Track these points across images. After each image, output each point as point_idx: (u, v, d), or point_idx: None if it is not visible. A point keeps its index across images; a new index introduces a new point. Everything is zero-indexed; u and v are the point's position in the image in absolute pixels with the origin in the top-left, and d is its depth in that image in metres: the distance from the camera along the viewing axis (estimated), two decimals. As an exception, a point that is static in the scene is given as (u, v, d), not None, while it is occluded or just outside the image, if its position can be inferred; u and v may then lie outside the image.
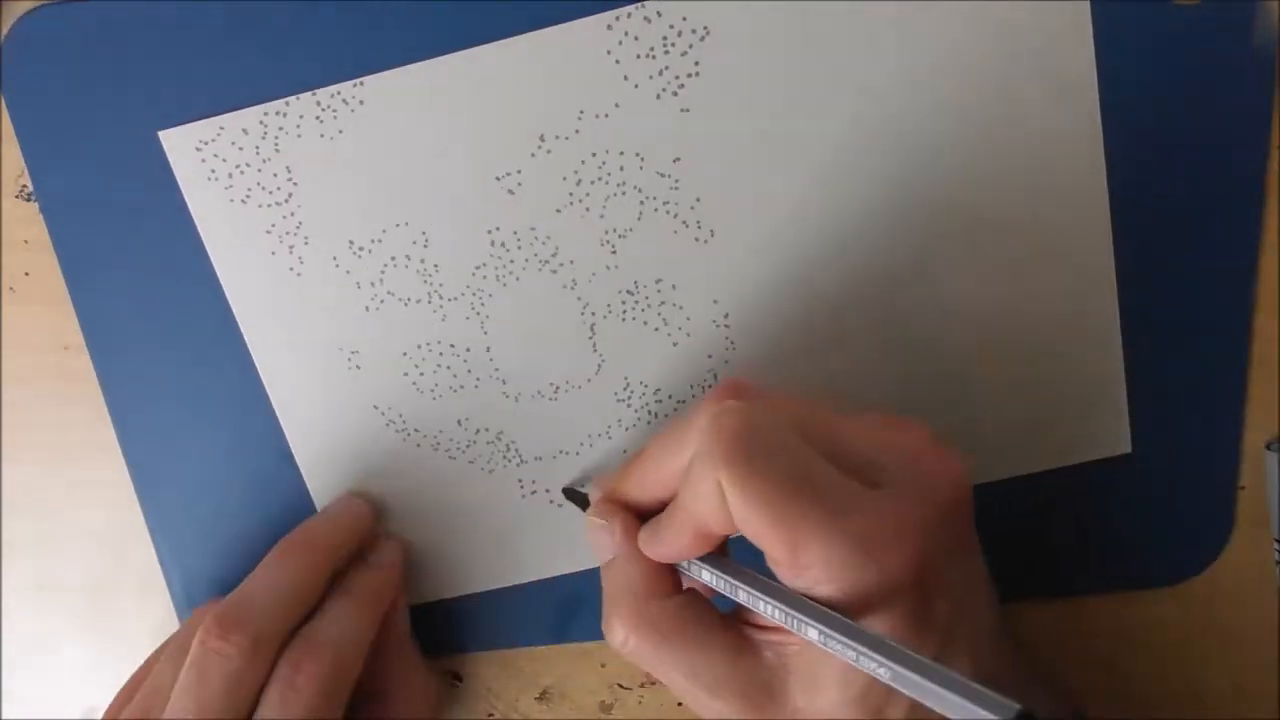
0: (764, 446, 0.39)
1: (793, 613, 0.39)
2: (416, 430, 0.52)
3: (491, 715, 0.56)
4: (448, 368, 0.51)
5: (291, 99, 0.49)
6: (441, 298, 0.50)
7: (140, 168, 0.50)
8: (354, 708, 0.49)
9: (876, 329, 0.51)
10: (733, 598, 0.42)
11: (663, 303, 0.50)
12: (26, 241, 0.52)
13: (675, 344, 0.51)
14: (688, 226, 0.50)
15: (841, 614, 0.38)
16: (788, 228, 0.50)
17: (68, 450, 0.54)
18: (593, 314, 0.51)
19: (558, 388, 0.52)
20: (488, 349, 0.51)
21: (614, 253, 0.50)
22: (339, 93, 0.48)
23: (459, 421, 0.52)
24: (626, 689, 0.56)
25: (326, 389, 0.52)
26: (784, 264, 0.50)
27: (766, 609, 0.41)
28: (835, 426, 0.42)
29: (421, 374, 0.51)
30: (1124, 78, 0.49)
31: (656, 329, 0.51)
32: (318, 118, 0.49)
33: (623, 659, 0.53)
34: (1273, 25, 0.48)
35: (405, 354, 0.51)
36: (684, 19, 0.47)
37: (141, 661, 0.51)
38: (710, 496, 0.39)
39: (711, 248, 0.50)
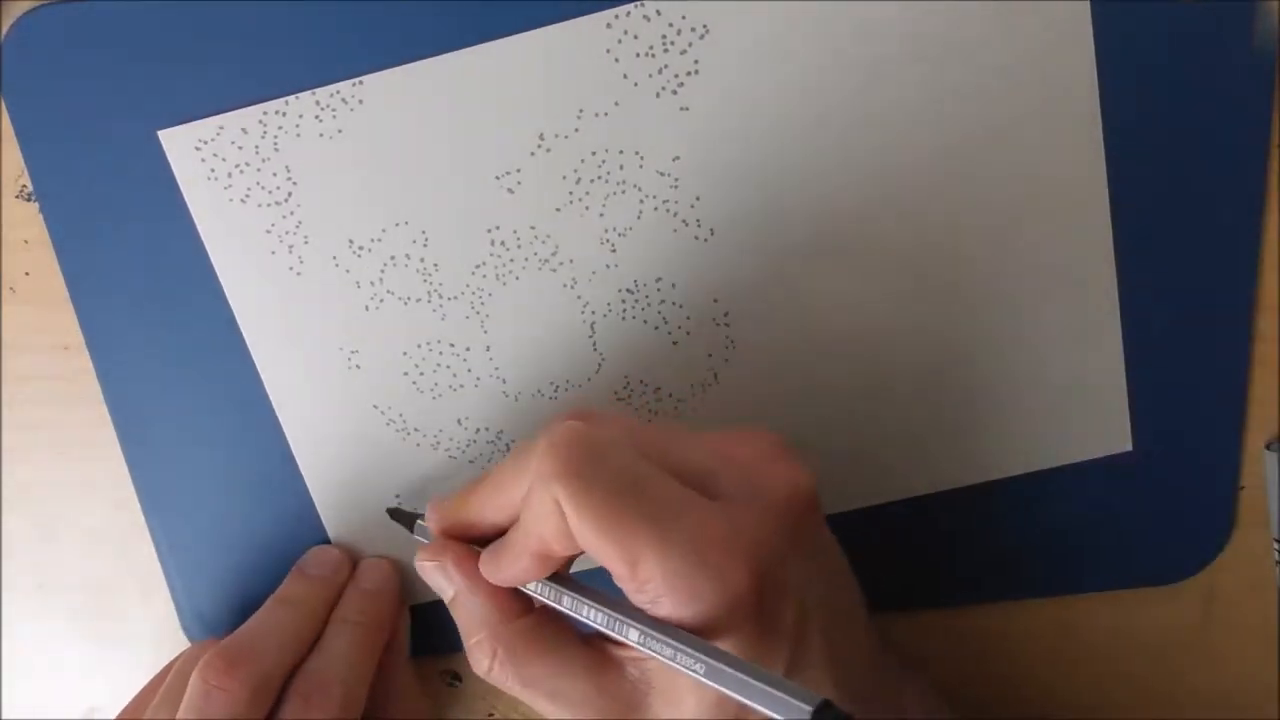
0: (597, 458, 0.39)
1: (616, 616, 0.40)
2: (416, 429, 0.52)
3: (491, 715, 0.56)
4: (447, 367, 0.51)
5: (291, 98, 0.49)
6: (441, 297, 0.50)
7: (140, 167, 0.50)
8: None
9: (876, 328, 0.51)
10: (573, 616, 0.42)
11: (662, 301, 0.50)
12: (26, 241, 0.52)
13: (675, 343, 0.51)
14: (687, 225, 0.50)
15: (686, 627, 0.39)
16: (787, 226, 0.50)
17: (68, 450, 0.54)
18: (592, 313, 0.51)
19: (558, 387, 0.52)
20: (487, 348, 0.51)
21: (614, 251, 0.50)
22: (338, 92, 0.48)
23: (459, 421, 0.52)
24: (626, 689, 0.56)
25: (327, 388, 0.52)
26: (784, 263, 0.50)
27: (594, 618, 0.41)
28: (671, 441, 0.42)
29: (421, 373, 0.51)
30: (1124, 77, 0.48)
31: (656, 328, 0.51)
32: (317, 117, 0.49)
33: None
34: (1273, 25, 0.48)
35: (405, 353, 0.51)
36: (683, 17, 0.47)
37: (141, 662, 0.51)
38: (549, 515, 0.39)
39: (711, 246, 0.50)
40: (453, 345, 0.51)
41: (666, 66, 0.48)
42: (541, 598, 0.43)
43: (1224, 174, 0.50)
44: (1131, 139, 0.49)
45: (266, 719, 0.47)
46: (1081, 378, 0.51)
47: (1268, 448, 0.52)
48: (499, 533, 0.44)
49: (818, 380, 0.51)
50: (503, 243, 0.50)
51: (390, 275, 0.50)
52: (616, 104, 0.48)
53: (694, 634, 0.38)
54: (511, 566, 0.43)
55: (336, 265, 0.50)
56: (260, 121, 0.49)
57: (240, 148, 0.49)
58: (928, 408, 0.52)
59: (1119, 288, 0.50)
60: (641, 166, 0.49)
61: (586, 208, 0.50)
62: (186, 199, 0.50)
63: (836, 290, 0.50)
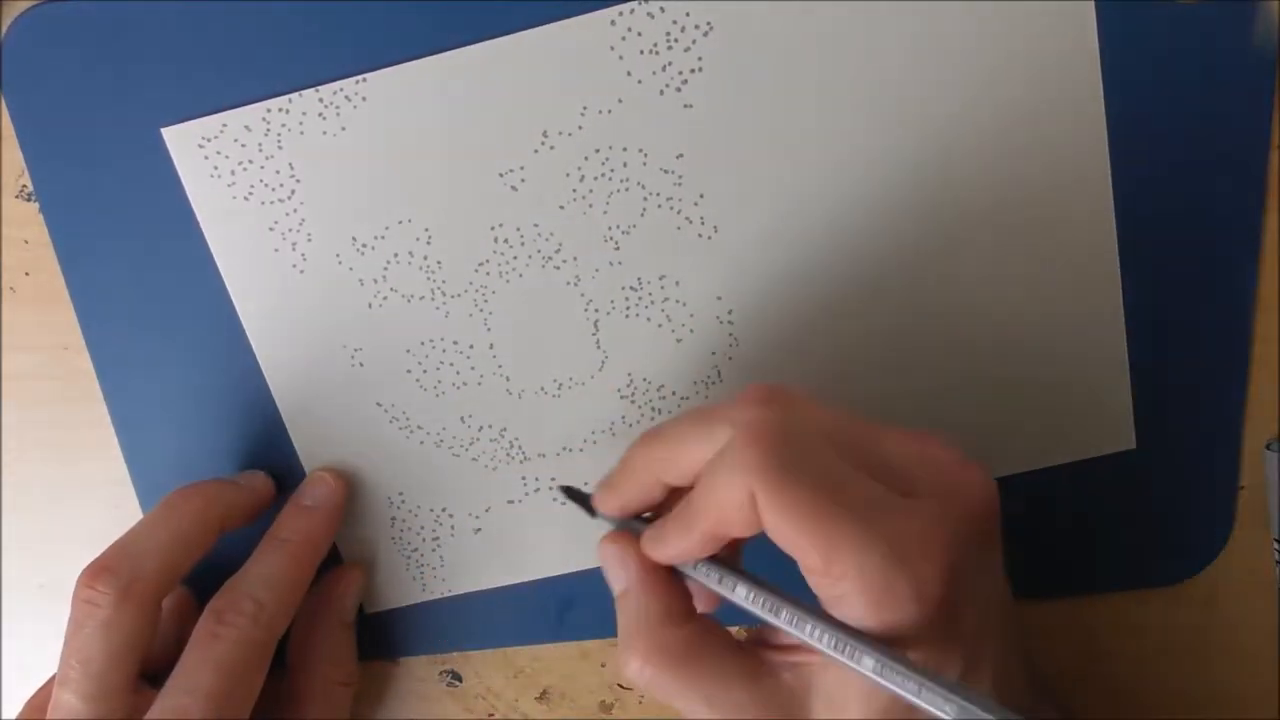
0: (798, 455, 0.39)
1: (790, 606, 0.40)
2: (420, 427, 0.52)
3: (492, 715, 0.56)
4: (450, 364, 0.51)
5: (294, 95, 0.49)
6: (444, 294, 0.50)
7: (141, 166, 0.50)
8: (264, 709, 0.49)
9: (880, 326, 0.51)
10: (739, 603, 0.42)
11: (666, 299, 0.51)
12: (26, 241, 0.52)
13: (679, 340, 0.51)
14: (691, 223, 0.50)
15: (873, 626, 0.38)
16: (791, 224, 0.50)
17: (68, 450, 0.54)
18: (596, 310, 0.51)
19: (561, 384, 0.52)
20: (491, 345, 0.51)
21: (617, 249, 0.50)
22: (341, 89, 0.48)
23: (462, 418, 0.52)
24: (627, 689, 0.56)
25: (330, 386, 0.52)
26: (787, 260, 0.50)
27: (764, 606, 0.41)
28: (868, 436, 0.42)
29: (424, 371, 0.51)
30: (1126, 77, 0.49)
31: (660, 325, 0.51)
32: (320, 114, 0.49)
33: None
34: (1273, 25, 0.49)
35: (408, 351, 0.51)
36: (687, 14, 0.47)
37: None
38: (738, 502, 0.39)
39: (715, 244, 0.50)
40: (456, 343, 0.51)
41: (670, 64, 0.48)
42: (708, 582, 0.43)
43: (1224, 174, 0.50)
44: (1133, 139, 0.49)
45: (179, 633, 0.48)
46: (1085, 376, 0.51)
47: (1268, 448, 0.52)
48: (659, 500, 0.44)
49: (820, 378, 0.51)
50: (506, 240, 0.50)
51: (393, 273, 0.50)
52: (620, 101, 0.49)
53: (877, 636, 0.38)
54: (681, 541, 0.42)
55: (339, 263, 0.50)
56: (264, 119, 0.49)
57: (243, 145, 0.49)
58: (931, 405, 0.52)
59: (1122, 287, 0.51)
60: (645, 164, 0.49)
61: (590, 205, 0.50)
62: (190, 197, 0.50)
63: (839, 288, 0.50)
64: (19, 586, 0.55)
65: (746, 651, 0.43)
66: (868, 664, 0.38)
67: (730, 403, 0.41)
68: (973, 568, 0.40)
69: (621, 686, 0.56)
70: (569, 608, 0.54)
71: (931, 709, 0.37)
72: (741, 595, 0.42)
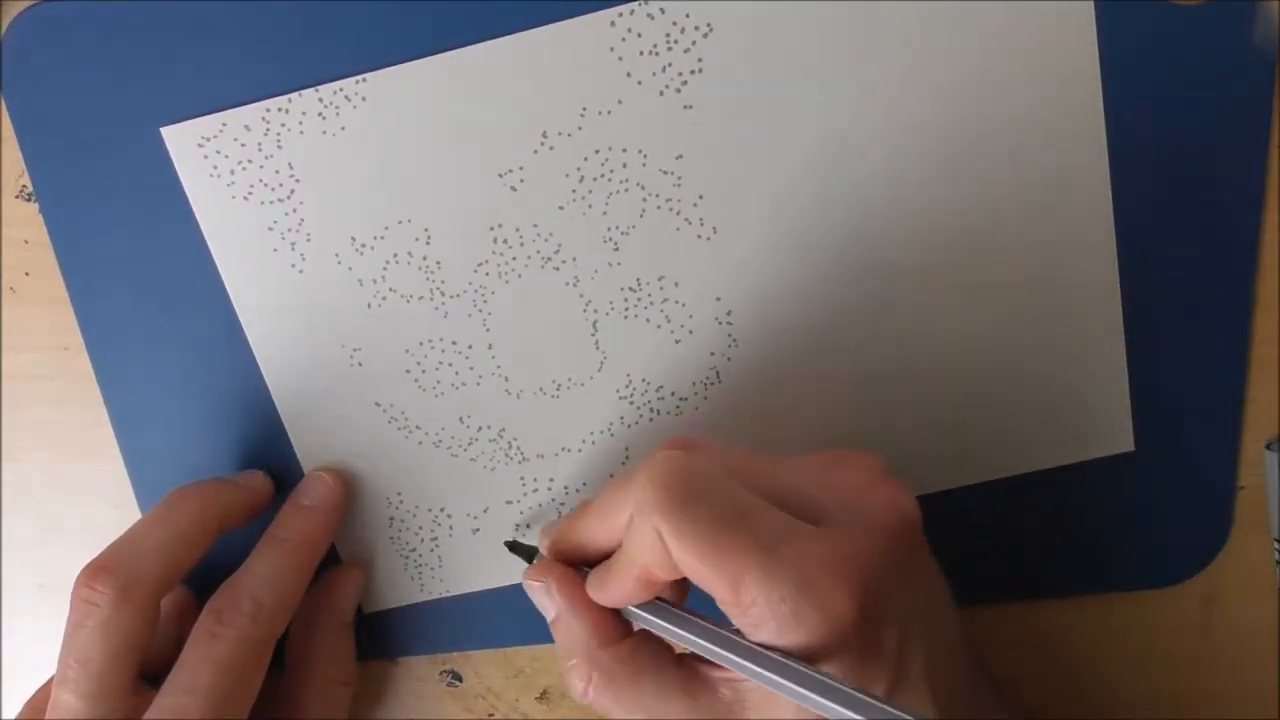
0: (699, 490, 0.40)
1: (722, 653, 0.41)
2: (418, 427, 0.52)
3: (492, 715, 0.56)
4: (449, 365, 0.51)
5: (294, 95, 0.49)
6: (443, 294, 0.50)
7: (141, 165, 0.50)
8: (264, 709, 0.49)
9: (879, 326, 0.51)
10: (678, 642, 0.43)
11: (665, 300, 0.51)
12: (26, 241, 0.52)
13: (678, 341, 0.51)
14: (690, 224, 0.50)
15: (787, 651, 0.39)
16: (790, 225, 0.50)
17: (68, 450, 0.54)
18: (595, 311, 0.51)
19: (560, 385, 0.52)
20: (489, 346, 0.51)
21: (616, 250, 0.50)
22: (341, 89, 0.48)
23: (461, 419, 0.52)
24: (627, 690, 0.56)
25: (328, 386, 0.52)
26: (786, 261, 0.50)
27: (694, 642, 0.42)
28: (772, 468, 0.43)
29: (423, 371, 0.51)
30: (1125, 77, 0.49)
31: (659, 326, 0.51)
32: (320, 114, 0.49)
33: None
34: (1273, 25, 0.49)
35: (407, 351, 0.51)
36: (687, 16, 0.47)
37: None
38: (651, 544, 0.40)
39: (714, 245, 0.50)
40: (455, 343, 0.51)
41: (670, 65, 0.48)
42: (642, 621, 0.44)
43: (1224, 174, 0.50)
44: (1133, 139, 0.49)
45: (178, 632, 0.48)
46: (1084, 377, 0.51)
47: (1268, 448, 0.52)
48: (606, 555, 0.45)
49: (819, 380, 0.51)
50: (505, 240, 0.50)
51: (392, 273, 0.50)
52: (620, 102, 0.49)
53: (796, 658, 0.39)
54: (617, 589, 0.43)
55: (339, 263, 0.50)
56: (263, 118, 0.49)
57: (243, 145, 0.49)
58: (929, 407, 0.52)
59: (1121, 287, 0.51)
60: (644, 165, 0.49)
61: (589, 206, 0.50)
62: (189, 196, 0.50)
63: (838, 289, 0.50)
64: (19, 586, 0.55)
65: (684, 665, 0.44)
66: (789, 683, 0.38)
67: (641, 465, 0.42)
68: (892, 584, 0.40)
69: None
70: (568, 608, 0.54)
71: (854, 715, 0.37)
72: (668, 628, 0.43)
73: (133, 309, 0.51)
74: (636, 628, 0.45)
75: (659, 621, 0.43)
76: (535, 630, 0.54)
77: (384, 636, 0.55)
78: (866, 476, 0.43)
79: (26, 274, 0.52)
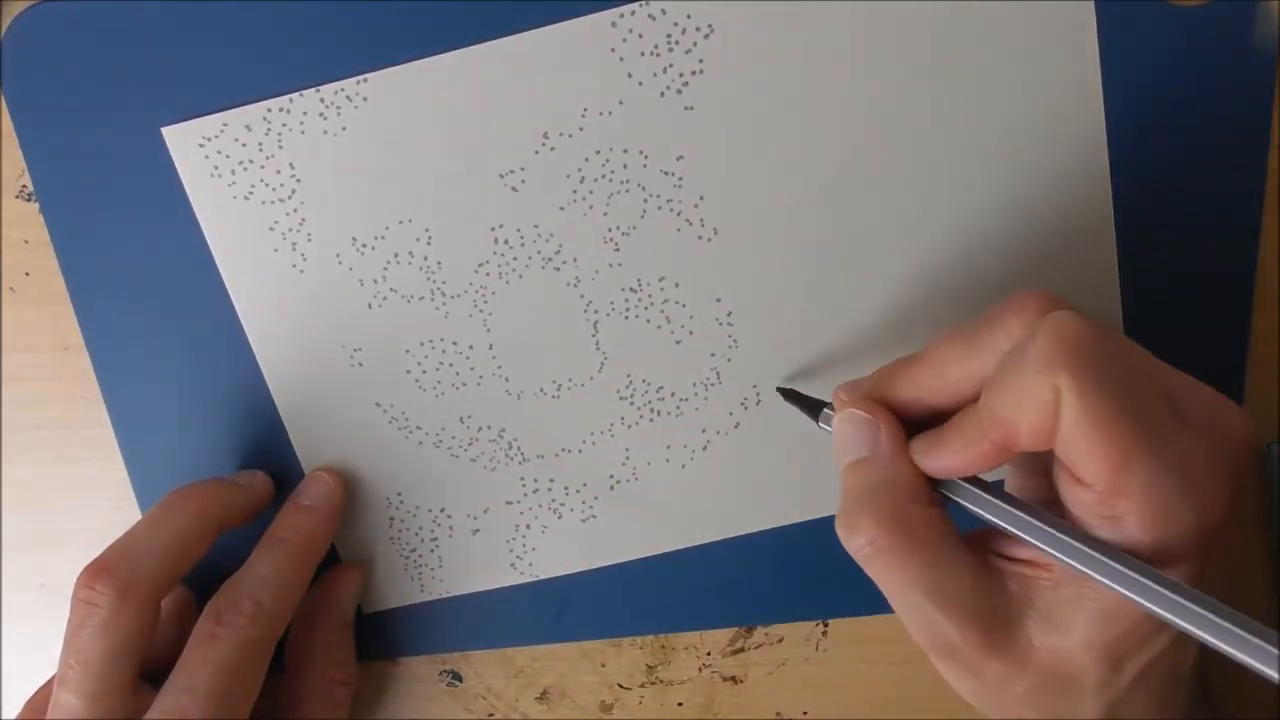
0: (1110, 354, 0.37)
1: (1061, 538, 0.37)
2: (419, 428, 0.52)
3: (492, 715, 0.56)
4: (450, 365, 0.51)
5: (295, 95, 0.49)
6: (444, 295, 0.50)
7: (141, 165, 0.50)
8: (264, 709, 0.49)
9: (879, 327, 0.51)
10: (1001, 523, 0.39)
11: (665, 300, 0.51)
12: (26, 241, 0.52)
13: (678, 341, 0.51)
14: (691, 224, 0.50)
15: (1143, 547, 0.36)
16: (790, 226, 0.50)
17: (68, 450, 0.54)
18: (595, 311, 0.51)
19: (560, 385, 0.52)
20: (490, 346, 0.51)
21: (617, 250, 0.50)
22: (342, 89, 0.48)
23: (461, 419, 0.52)
24: (626, 689, 0.56)
25: (329, 386, 0.52)
26: (787, 262, 0.50)
27: (1042, 541, 0.38)
28: (1157, 365, 0.39)
29: (424, 371, 0.51)
30: (1126, 78, 0.49)
31: (659, 327, 0.51)
32: (321, 114, 0.49)
33: (625, 657, 0.53)
34: (1273, 25, 0.49)
35: (408, 351, 0.51)
36: (688, 17, 0.47)
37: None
38: (1039, 403, 0.36)
39: (714, 246, 0.50)
40: (455, 343, 0.51)
41: (671, 66, 0.48)
42: (964, 495, 0.41)
43: (1224, 174, 0.50)
44: (1133, 139, 0.49)
45: (178, 632, 0.48)
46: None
47: (1268, 447, 0.52)
48: (926, 417, 0.42)
49: (820, 380, 0.51)
50: (506, 241, 0.50)
51: (393, 273, 0.50)
52: (621, 103, 0.49)
53: (1144, 559, 0.36)
54: (956, 455, 0.40)
55: (339, 263, 0.50)
56: (264, 119, 0.49)
57: (244, 145, 0.49)
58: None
59: (1120, 287, 0.51)
60: (645, 165, 0.49)
61: (590, 206, 0.50)
62: (190, 196, 0.50)
63: (839, 290, 0.50)
64: (19, 586, 0.55)
65: (975, 549, 0.41)
66: (1137, 584, 0.35)
67: (998, 315, 0.40)
68: (1233, 503, 0.38)
69: (622, 686, 0.56)
70: (567, 608, 0.54)
71: (1211, 638, 0.34)
72: (1002, 512, 0.40)
73: (133, 309, 0.51)
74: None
75: (984, 495, 0.40)
76: (535, 630, 0.55)
77: (384, 636, 0.55)
78: (1221, 396, 0.39)
79: (26, 274, 0.52)
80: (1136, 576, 0.35)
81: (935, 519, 0.40)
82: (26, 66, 0.49)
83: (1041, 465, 0.42)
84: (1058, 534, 0.38)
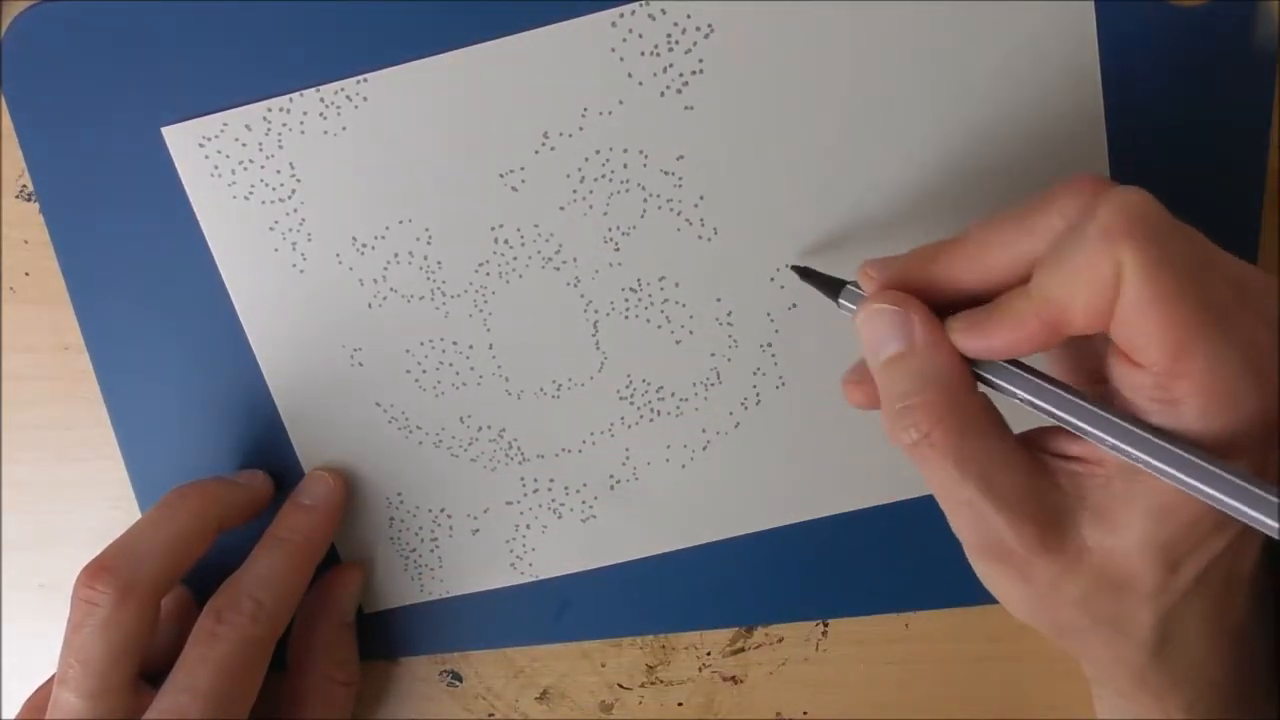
0: (1172, 233, 0.35)
1: (1121, 426, 0.36)
2: (419, 427, 0.52)
3: (492, 715, 0.56)
4: (450, 365, 0.51)
5: (295, 95, 0.49)
6: (444, 294, 0.50)
7: (141, 165, 0.50)
8: (264, 709, 0.49)
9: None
10: (1050, 408, 0.37)
11: (665, 300, 0.51)
12: (26, 241, 0.52)
13: (678, 341, 0.51)
14: (691, 224, 0.50)
15: (1199, 433, 0.35)
16: (790, 225, 0.50)
17: (68, 450, 0.54)
18: (595, 311, 0.51)
19: (560, 385, 0.52)
20: (490, 346, 0.51)
21: (617, 250, 0.50)
22: (342, 89, 0.48)
23: (461, 419, 0.52)
24: (626, 689, 0.56)
25: (329, 386, 0.52)
26: (787, 262, 0.50)
27: (1092, 424, 0.36)
28: (1209, 242, 0.37)
29: (424, 371, 0.51)
30: (1126, 78, 0.49)
31: (659, 326, 0.51)
32: (321, 114, 0.49)
33: (625, 657, 0.53)
34: (1273, 25, 0.49)
35: (408, 351, 0.51)
36: (688, 16, 0.47)
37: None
38: (1100, 279, 0.34)
39: (714, 246, 0.50)
40: (455, 343, 0.51)
41: (671, 65, 0.48)
42: (1016, 382, 0.38)
43: (1224, 174, 0.50)
44: (1133, 139, 0.49)
45: (178, 632, 0.48)
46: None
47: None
48: (963, 301, 0.39)
49: (819, 381, 0.51)
50: (506, 241, 0.50)
51: (393, 273, 0.50)
52: (621, 103, 0.49)
53: (1200, 446, 0.34)
54: (1006, 334, 0.37)
55: (339, 263, 0.50)
56: (264, 118, 0.49)
57: (244, 144, 0.49)
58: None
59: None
60: (645, 165, 0.49)
61: (590, 206, 0.50)
62: (190, 196, 0.50)
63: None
64: (19, 586, 0.55)
65: (1027, 442, 0.40)
66: (1193, 467, 0.34)
67: (1052, 195, 0.38)
68: None
69: (622, 686, 0.56)
70: (567, 608, 0.54)
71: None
72: (1040, 392, 0.38)
73: (133, 309, 0.51)
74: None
75: (1030, 378, 0.38)
76: (535, 630, 0.55)
77: (384, 636, 0.55)
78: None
79: (26, 274, 0.52)
80: (1194, 459, 0.34)
81: (987, 406, 0.39)
82: (26, 66, 0.49)
83: (1081, 361, 0.41)
84: (1109, 416, 0.36)
